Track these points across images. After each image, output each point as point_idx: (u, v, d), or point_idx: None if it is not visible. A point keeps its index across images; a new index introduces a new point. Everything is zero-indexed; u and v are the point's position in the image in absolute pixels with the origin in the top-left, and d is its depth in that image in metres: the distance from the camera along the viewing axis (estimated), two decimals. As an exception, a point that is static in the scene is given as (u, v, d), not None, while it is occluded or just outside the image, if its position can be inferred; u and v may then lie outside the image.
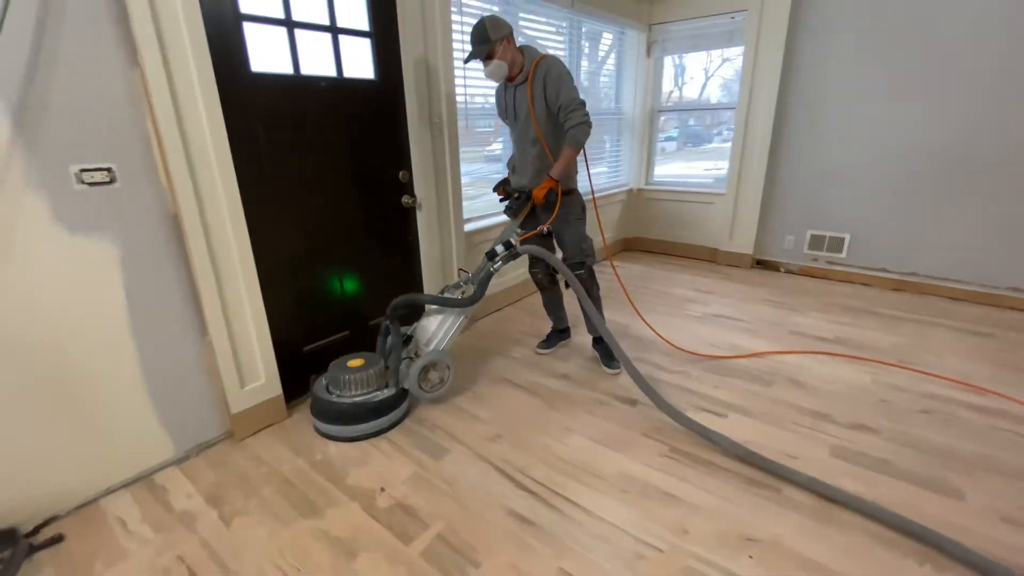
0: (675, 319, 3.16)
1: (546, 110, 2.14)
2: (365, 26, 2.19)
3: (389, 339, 2.10)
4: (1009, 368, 2.50)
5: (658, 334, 2.85)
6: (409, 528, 1.56)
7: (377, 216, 2.45)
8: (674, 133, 5.22)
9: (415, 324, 2.25)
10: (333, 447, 1.96)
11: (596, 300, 2.41)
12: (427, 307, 2.27)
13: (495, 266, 2.20)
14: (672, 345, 2.74)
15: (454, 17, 2.55)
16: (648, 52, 4.24)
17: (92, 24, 1.47)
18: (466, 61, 2.13)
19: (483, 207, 3.20)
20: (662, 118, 4.54)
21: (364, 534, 1.54)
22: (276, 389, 2.10)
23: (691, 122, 4.72)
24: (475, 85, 2.91)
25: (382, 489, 1.73)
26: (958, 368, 2.50)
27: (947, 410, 2.15)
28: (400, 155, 2.46)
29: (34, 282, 1.48)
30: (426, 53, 2.42)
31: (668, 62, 4.31)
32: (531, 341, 2.85)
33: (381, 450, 1.94)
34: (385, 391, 2.04)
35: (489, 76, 2.15)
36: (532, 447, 1.94)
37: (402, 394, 2.10)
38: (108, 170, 1.57)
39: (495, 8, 2.94)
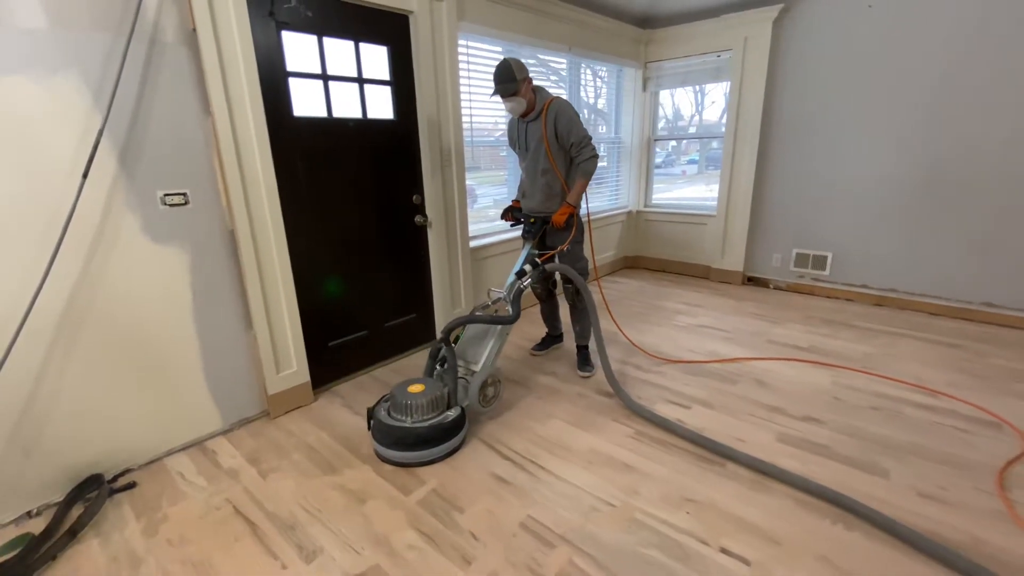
0: (662, 328, 3.46)
1: (557, 145, 2.44)
2: (386, 76, 2.64)
3: (439, 358, 2.23)
4: (968, 374, 2.71)
5: (629, 339, 3.16)
6: (409, 484, 1.91)
7: (394, 233, 2.86)
8: (695, 156, 5.56)
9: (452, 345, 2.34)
10: (350, 423, 2.33)
11: (582, 312, 2.74)
12: (466, 327, 2.42)
13: (524, 283, 2.39)
14: (640, 349, 3.06)
15: (462, 65, 3.00)
16: (644, 87, 4.64)
17: (178, 84, 1.94)
18: (492, 95, 2.38)
19: (489, 227, 3.60)
20: (683, 143, 4.95)
21: (372, 487, 1.89)
22: (305, 376, 2.49)
23: (714, 144, 5.02)
24: (480, 120, 3.34)
25: (389, 456, 2.09)
26: (919, 374, 2.72)
27: (895, 408, 2.39)
28: (414, 181, 2.89)
29: (127, 279, 1.91)
30: (437, 96, 2.85)
31: (690, 89, 4.68)
32: (528, 344, 3.19)
33: (390, 428, 2.30)
34: (451, 411, 2.09)
35: (510, 111, 2.45)
36: (517, 427, 2.27)
37: (463, 413, 2.15)
38: (184, 194, 2.02)
39: (500, 54, 3.38)
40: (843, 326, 3.44)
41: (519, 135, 2.58)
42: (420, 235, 3.01)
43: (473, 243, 3.33)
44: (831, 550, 1.57)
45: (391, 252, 2.87)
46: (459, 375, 2.25)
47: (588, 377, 2.75)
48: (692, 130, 4.93)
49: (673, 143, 5.29)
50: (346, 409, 2.48)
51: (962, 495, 1.81)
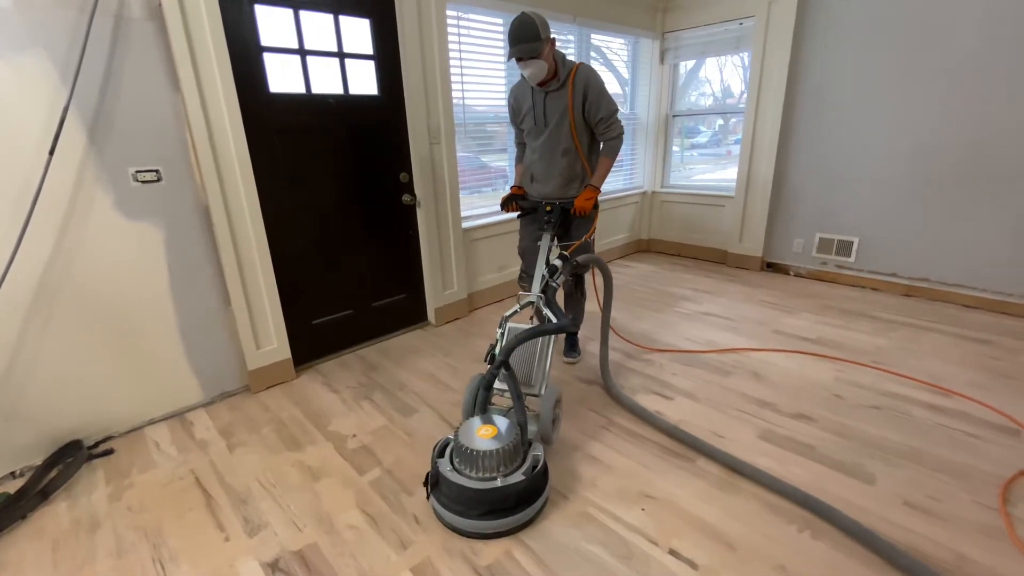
0: (663, 315, 3.31)
1: (583, 119, 2.16)
2: (369, 50, 2.57)
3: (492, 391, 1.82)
4: (993, 374, 2.46)
5: (614, 330, 3.02)
6: (365, 464, 1.90)
7: (380, 212, 2.83)
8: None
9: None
10: (325, 399, 2.35)
11: (579, 301, 2.59)
12: (502, 342, 2.01)
13: (558, 281, 2.08)
14: (620, 336, 2.95)
15: (452, 38, 2.89)
16: (661, 59, 4.38)
17: (146, 61, 1.95)
18: (509, 58, 2.05)
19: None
20: (732, 120, 4.67)
21: (330, 465, 1.90)
22: (286, 353, 2.53)
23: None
24: (473, 92, 3.23)
25: (354, 435, 2.09)
26: (936, 371, 2.49)
27: (900, 407, 2.20)
28: (401, 159, 2.84)
29: (102, 254, 1.97)
30: (424, 71, 2.77)
31: (737, 60, 4.36)
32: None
33: (362, 407, 2.31)
34: (535, 451, 1.66)
35: (529, 77, 2.09)
36: (487, 413, 2.23)
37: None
38: (156, 171, 2.04)
39: (498, 26, 3.25)
40: (861, 317, 3.19)
41: (535, 107, 2.20)
42: (409, 214, 2.97)
43: (466, 224, 3.27)
44: (790, 558, 1.46)
45: (378, 231, 2.85)
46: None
47: (574, 363, 2.66)
48: (742, 106, 4.58)
49: (720, 121, 4.99)
50: (325, 387, 2.50)
51: (956, 507, 1.64)
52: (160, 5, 1.91)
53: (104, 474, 1.90)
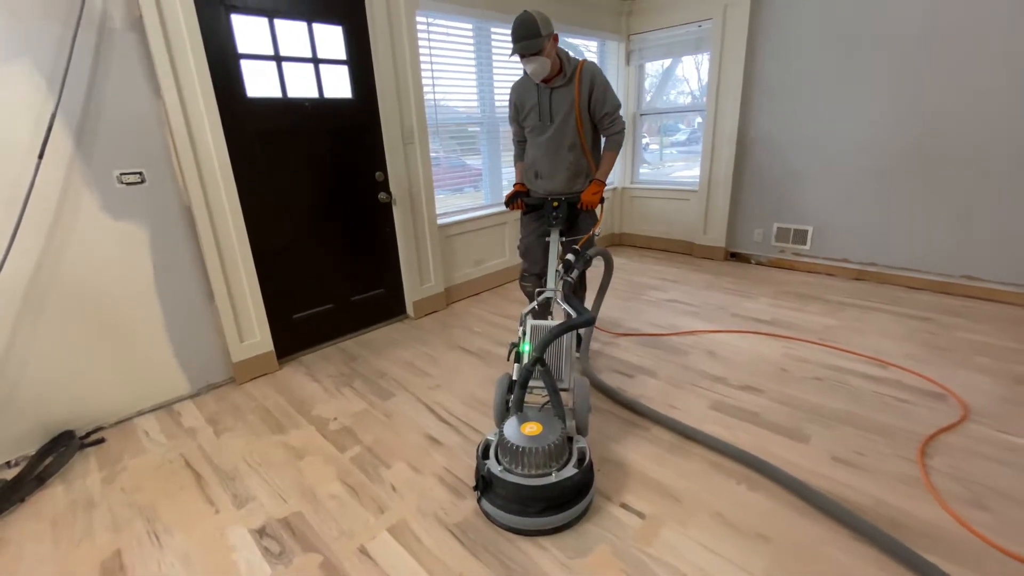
0: (630, 303, 3.50)
1: (588, 114, 2.21)
2: (342, 56, 2.71)
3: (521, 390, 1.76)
4: (929, 347, 2.68)
5: None
6: (346, 443, 2.04)
7: (357, 209, 2.96)
8: None
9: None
10: (308, 388, 2.48)
11: (583, 299, 2.65)
12: (527, 338, 1.95)
13: (573, 275, 2.10)
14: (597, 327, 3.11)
15: (422, 42, 3.04)
16: (628, 60, 4.58)
17: (128, 70, 2.06)
18: (511, 55, 2.08)
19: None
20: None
21: (312, 445, 2.04)
22: (268, 346, 2.65)
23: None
24: (444, 94, 3.38)
25: (335, 418, 2.23)
26: (877, 346, 2.71)
27: (840, 378, 2.40)
28: (376, 159, 2.97)
29: (89, 254, 2.07)
30: (396, 74, 2.91)
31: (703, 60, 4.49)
32: (497, 320, 3.28)
33: (343, 393, 2.44)
34: (579, 441, 1.69)
35: (532, 74, 2.11)
36: (461, 394, 2.38)
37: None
38: (140, 173, 2.16)
39: (468, 30, 3.40)
40: (814, 300, 3.41)
41: (539, 103, 2.23)
42: (385, 212, 3.10)
43: (442, 220, 3.41)
44: (728, 507, 1.64)
45: (355, 228, 2.98)
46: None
47: None
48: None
49: (699, 119, 5.19)
50: (308, 377, 2.63)
51: (879, 461, 1.84)
52: (140, 16, 2.02)
53: (97, 460, 2.01)
